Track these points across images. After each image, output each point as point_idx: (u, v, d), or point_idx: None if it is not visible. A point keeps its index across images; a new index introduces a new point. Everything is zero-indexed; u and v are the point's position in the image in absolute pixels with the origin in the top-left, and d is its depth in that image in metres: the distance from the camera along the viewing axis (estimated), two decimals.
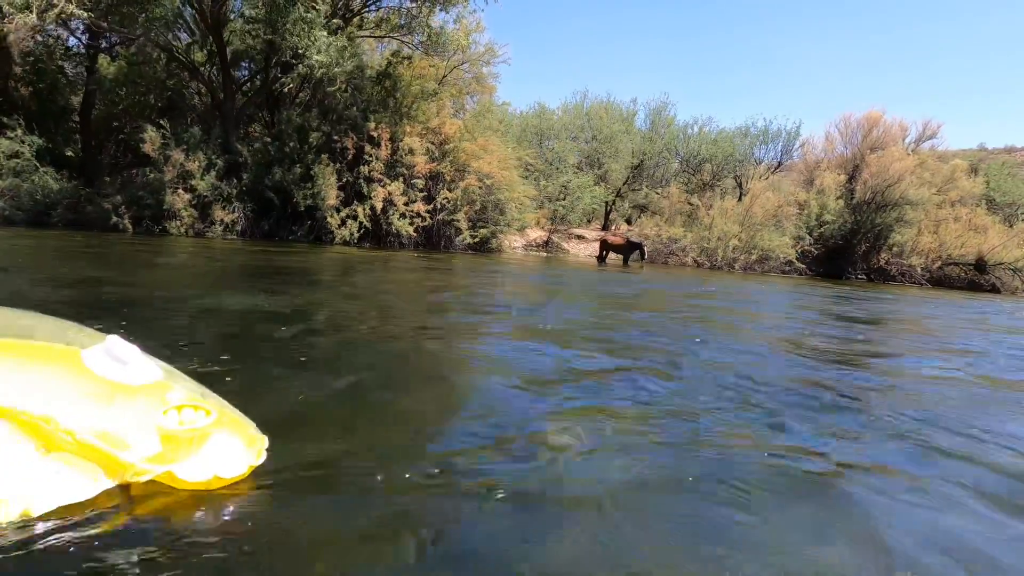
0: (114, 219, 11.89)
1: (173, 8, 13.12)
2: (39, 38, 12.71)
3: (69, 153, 13.17)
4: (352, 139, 14.15)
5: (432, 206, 15.18)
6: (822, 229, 22.79)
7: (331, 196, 13.34)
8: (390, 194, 14.24)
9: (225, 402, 1.58)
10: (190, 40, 14.01)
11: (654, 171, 26.34)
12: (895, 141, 23.31)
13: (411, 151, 14.65)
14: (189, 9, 13.19)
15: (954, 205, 25.14)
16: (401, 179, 14.57)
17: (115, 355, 1.50)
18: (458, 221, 15.45)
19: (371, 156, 14.16)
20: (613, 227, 24.46)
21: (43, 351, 1.48)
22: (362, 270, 8.74)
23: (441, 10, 14.23)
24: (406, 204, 14.59)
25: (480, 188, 15.66)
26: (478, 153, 15.76)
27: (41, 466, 1.28)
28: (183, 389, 1.49)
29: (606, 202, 26.97)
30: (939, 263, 23.52)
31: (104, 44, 13.77)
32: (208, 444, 1.40)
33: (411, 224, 14.63)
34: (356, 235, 13.97)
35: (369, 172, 14.14)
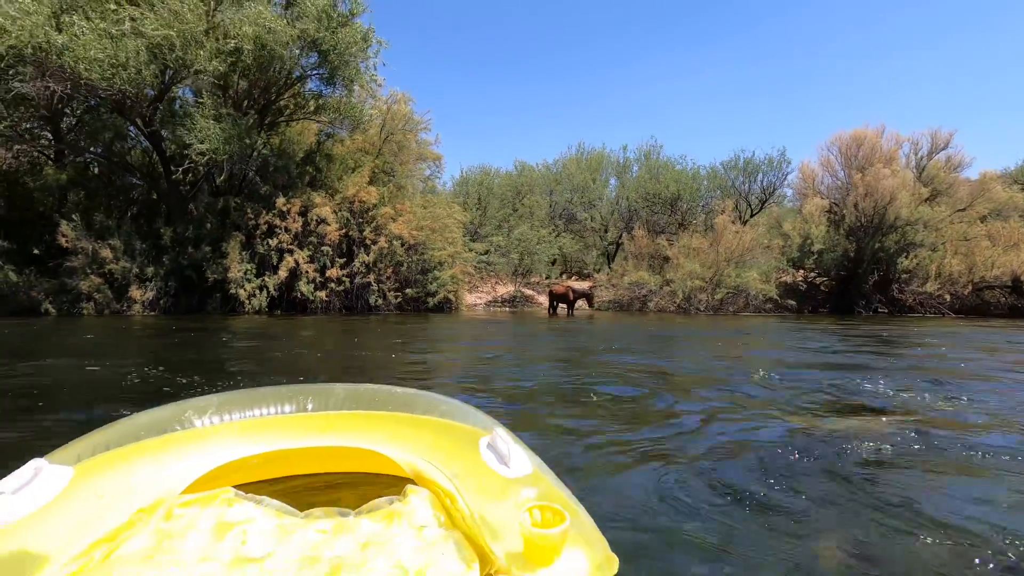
0: (44, 305, 13.54)
1: (117, 127, 15.32)
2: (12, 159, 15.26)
3: (36, 251, 15.31)
4: (264, 215, 15.24)
5: (348, 271, 15.76)
6: (813, 259, 20.72)
7: (234, 269, 14.31)
8: (297, 263, 15.00)
9: (582, 509, 1.39)
10: (132, 146, 16.12)
11: (633, 216, 25.59)
12: (889, 158, 21.06)
13: (322, 220, 15.47)
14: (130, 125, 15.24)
15: (985, 220, 21.96)
16: (310, 247, 15.35)
17: (497, 443, 1.50)
18: (373, 284, 15.88)
19: (280, 229, 15.13)
20: (574, 277, 23.78)
21: (453, 430, 1.60)
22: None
23: (345, 89, 15.31)
24: (316, 271, 15.28)
25: (400, 249, 16.07)
26: (395, 216, 16.30)
27: (440, 541, 1.32)
28: (545, 487, 1.41)
29: (594, 250, 26.41)
30: (970, 288, 20.36)
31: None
32: (560, 559, 1.19)
33: (321, 290, 15.24)
34: (264, 304, 14.75)
35: (278, 244, 15.06)
